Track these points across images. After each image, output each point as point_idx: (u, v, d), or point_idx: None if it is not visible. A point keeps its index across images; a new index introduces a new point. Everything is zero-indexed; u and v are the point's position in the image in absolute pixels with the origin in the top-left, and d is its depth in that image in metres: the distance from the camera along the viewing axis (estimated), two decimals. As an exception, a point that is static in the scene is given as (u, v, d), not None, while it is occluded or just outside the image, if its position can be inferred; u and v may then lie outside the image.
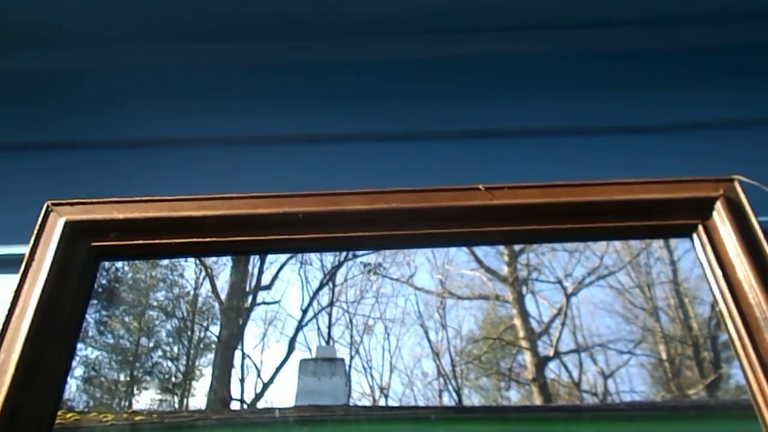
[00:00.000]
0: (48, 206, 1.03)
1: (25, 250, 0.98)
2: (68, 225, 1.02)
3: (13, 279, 0.95)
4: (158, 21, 1.21)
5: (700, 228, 1.06)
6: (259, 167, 1.17)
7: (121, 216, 1.03)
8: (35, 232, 1.00)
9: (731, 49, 1.29)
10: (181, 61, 1.26)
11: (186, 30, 1.23)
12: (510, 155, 1.19)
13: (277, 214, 1.06)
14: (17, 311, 0.92)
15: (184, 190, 1.07)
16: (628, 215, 1.09)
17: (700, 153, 1.17)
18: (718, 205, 1.06)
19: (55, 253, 0.98)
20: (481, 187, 1.10)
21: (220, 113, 1.23)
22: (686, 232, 1.08)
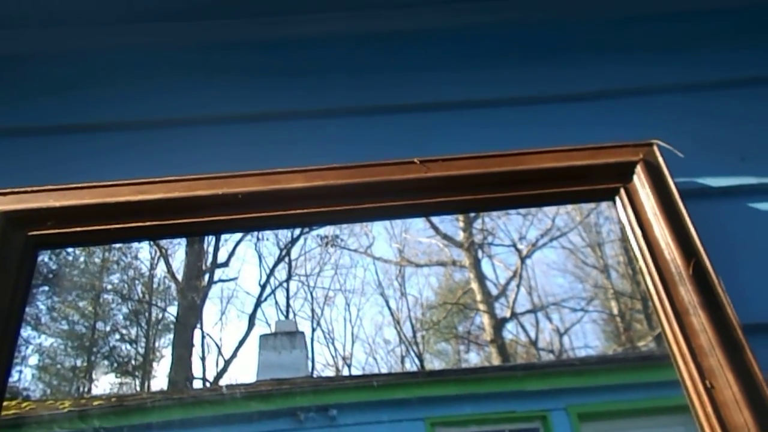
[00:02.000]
0: (-19, 197, 1.03)
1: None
2: (2, 215, 1.01)
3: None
4: (91, 2, 1.18)
5: (622, 191, 1.12)
6: (195, 149, 1.17)
7: (57, 204, 1.03)
8: (-31, 223, 0.99)
9: (648, 18, 1.35)
10: (114, 43, 1.23)
11: (120, 10, 1.21)
12: (443, 128, 1.23)
13: (217, 196, 1.07)
14: (-46, 304, 0.92)
15: (121, 175, 1.07)
16: (556, 182, 1.14)
17: (622, 120, 1.22)
18: (638, 168, 1.12)
19: (-8, 243, 0.98)
20: (416, 160, 1.13)
21: (154, 96, 1.23)
22: (610, 196, 1.14)
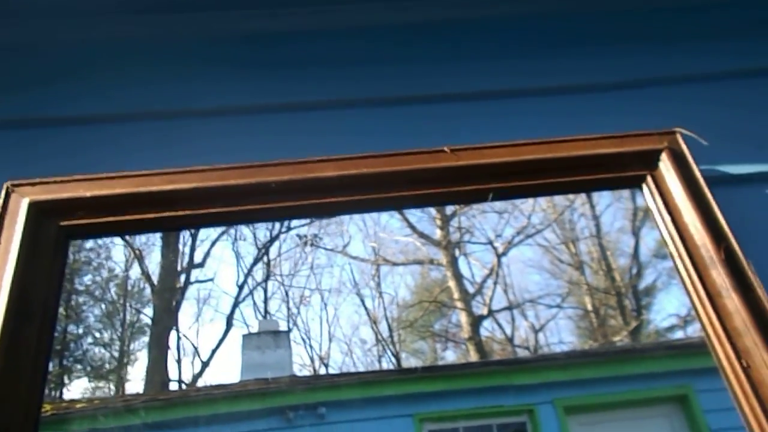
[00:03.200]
0: (8, 187, 1.00)
1: (-13, 233, 0.94)
2: (33, 206, 0.99)
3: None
4: None
5: (649, 178, 1.14)
6: (228, 139, 1.16)
7: (88, 194, 1.01)
8: (-3, 213, 0.96)
9: (671, 7, 1.37)
10: (143, 32, 1.21)
11: (147, 0, 1.18)
12: (473, 118, 1.23)
13: (250, 185, 1.06)
14: (-10, 296, 0.89)
15: (150, 165, 1.05)
16: (586, 169, 1.15)
17: (645, 109, 1.24)
18: (664, 156, 1.15)
19: (23, 235, 0.95)
20: (446, 149, 1.14)
21: (186, 85, 1.20)
22: (637, 183, 1.16)
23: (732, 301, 1.00)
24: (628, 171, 1.15)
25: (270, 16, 1.22)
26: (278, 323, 4.99)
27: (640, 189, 1.16)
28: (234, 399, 3.52)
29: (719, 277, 1.02)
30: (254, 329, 4.63)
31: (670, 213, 1.10)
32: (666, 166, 1.14)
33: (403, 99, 1.23)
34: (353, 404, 3.69)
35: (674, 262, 1.08)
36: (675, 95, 1.26)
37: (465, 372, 4.30)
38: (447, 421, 3.66)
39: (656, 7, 1.36)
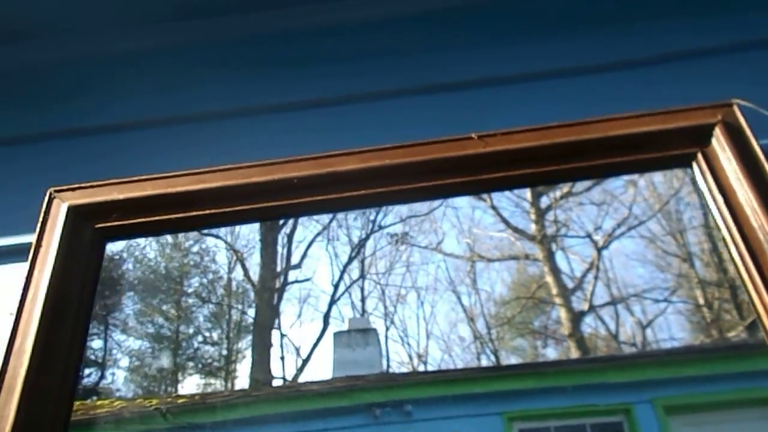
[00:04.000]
0: (51, 193, 1.06)
1: (33, 238, 1.01)
2: (71, 209, 1.04)
3: (25, 267, 0.98)
4: (133, 5, 1.21)
5: (699, 156, 1.04)
6: (250, 137, 1.18)
7: (121, 196, 1.06)
8: (40, 218, 1.03)
9: None
10: (162, 41, 1.26)
11: (162, 9, 1.23)
12: (503, 102, 1.18)
13: (273, 181, 1.07)
14: (29, 297, 0.96)
15: (180, 167, 1.09)
16: (625, 150, 1.07)
17: (699, 81, 1.14)
18: (717, 131, 1.04)
19: (61, 237, 1.01)
20: (474, 135, 1.09)
21: (206, 89, 1.24)
22: (686, 162, 1.06)
23: (793, 289, 0.89)
24: (674, 149, 1.05)
25: (287, 14, 1.23)
26: (368, 321, 5.01)
27: (691, 168, 1.06)
28: (321, 396, 3.57)
29: (779, 262, 0.91)
30: (345, 327, 4.68)
31: (722, 193, 0.99)
32: (719, 142, 1.03)
33: (429, 88, 1.20)
34: (441, 402, 3.64)
35: (727, 248, 0.97)
36: (731, 64, 1.14)
37: (557, 369, 4.12)
38: (537, 420, 3.53)
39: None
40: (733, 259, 0.96)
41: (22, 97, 1.27)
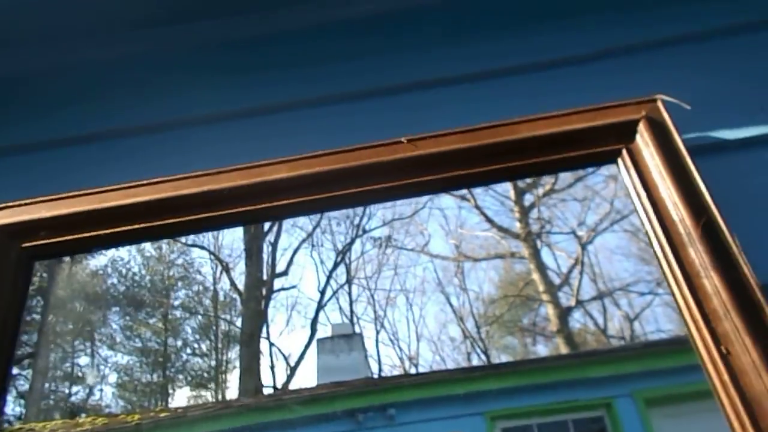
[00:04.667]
0: (-21, 214, 1.06)
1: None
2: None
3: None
4: (72, 17, 1.20)
5: (624, 152, 1.05)
6: (181, 150, 1.18)
7: (48, 214, 1.05)
8: (-32, 239, 1.02)
9: None
10: (94, 55, 1.25)
11: (98, 21, 1.22)
12: (432, 105, 1.18)
13: (202, 193, 1.07)
14: (-47, 318, 0.95)
15: (112, 182, 1.08)
16: (553, 148, 1.07)
17: (623, 80, 1.15)
18: (641, 127, 1.05)
19: (-13, 258, 1.01)
20: (403, 139, 1.10)
21: (136, 102, 1.24)
22: (611, 158, 1.07)
23: (711, 281, 0.89)
24: (600, 146, 1.06)
25: (217, 26, 1.22)
26: (351, 326, 5.04)
27: (616, 164, 1.06)
28: (304, 404, 3.58)
29: (698, 255, 0.92)
30: (328, 333, 4.70)
31: (645, 188, 1.00)
32: (643, 138, 1.04)
33: (358, 93, 1.20)
34: (422, 404, 3.65)
35: (650, 241, 0.98)
36: (657, 61, 1.15)
37: (537, 366, 4.14)
38: (520, 419, 3.54)
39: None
40: (655, 252, 0.96)
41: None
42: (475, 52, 1.22)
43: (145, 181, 1.08)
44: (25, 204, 1.06)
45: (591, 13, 1.22)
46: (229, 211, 1.08)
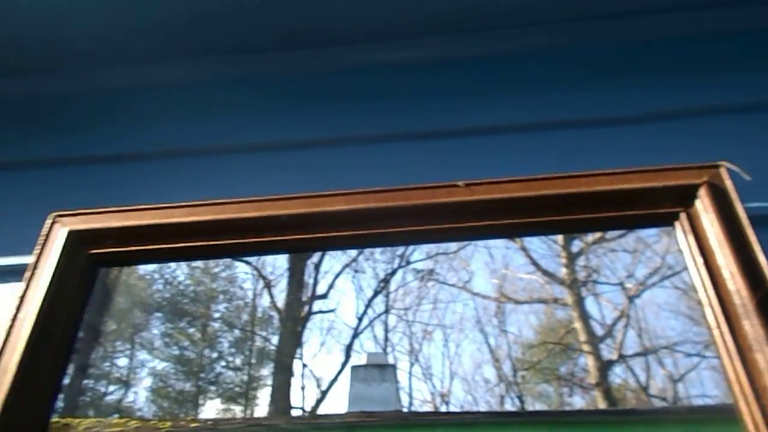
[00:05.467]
0: (53, 218, 1.12)
1: (31, 260, 1.07)
2: (70, 234, 1.10)
3: (21, 287, 1.03)
4: (141, 41, 1.28)
5: (683, 216, 1.04)
6: (245, 174, 1.22)
7: (117, 224, 1.11)
8: (41, 241, 1.09)
9: (711, 36, 1.26)
10: (166, 78, 1.33)
11: (167, 47, 1.30)
12: (492, 152, 1.20)
13: (262, 218, 1.11)
14: (20, 316, 1.01)
15: (176, 199, 1.13)
16: (610, 206, 1.07)
17: (684, 143, 1.14)
18: (702, 192, 1.04)
19: (58, 260, 1.06)
20: (460, 183, 1.11)
21: (207, 125, 1.30)
22: (669, 221, 1.06)
23: (764, 356, 0.87)
24: (658, 208, 1.06)
25: (284, 58, 1.28)
26: (386, 356, 5.00)
27: (673, 227, 1.05)
28: (332, 430, 3.56)
29: (752, 328, 0.90)
30: (363, 361, 4.67)
31: (703, 254, 0.99)
32: (703, 203, 1.03)
33: (421, 134, 1.23)
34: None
35: (703, 310, 0.96)
36: (718, 128, 1.14)
37: (579, 419, 4.01)
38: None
39: (692, 36, 1.25)
40: (707, 321, 0.95)
41: (32, 125, 1.35)
42: (538, 102, 1.24)
43: (208, 201, 1.12)
44: (97, 213, 1.12)
45: (656, 74, 1.23)
46: (284, 237, 1.11)
